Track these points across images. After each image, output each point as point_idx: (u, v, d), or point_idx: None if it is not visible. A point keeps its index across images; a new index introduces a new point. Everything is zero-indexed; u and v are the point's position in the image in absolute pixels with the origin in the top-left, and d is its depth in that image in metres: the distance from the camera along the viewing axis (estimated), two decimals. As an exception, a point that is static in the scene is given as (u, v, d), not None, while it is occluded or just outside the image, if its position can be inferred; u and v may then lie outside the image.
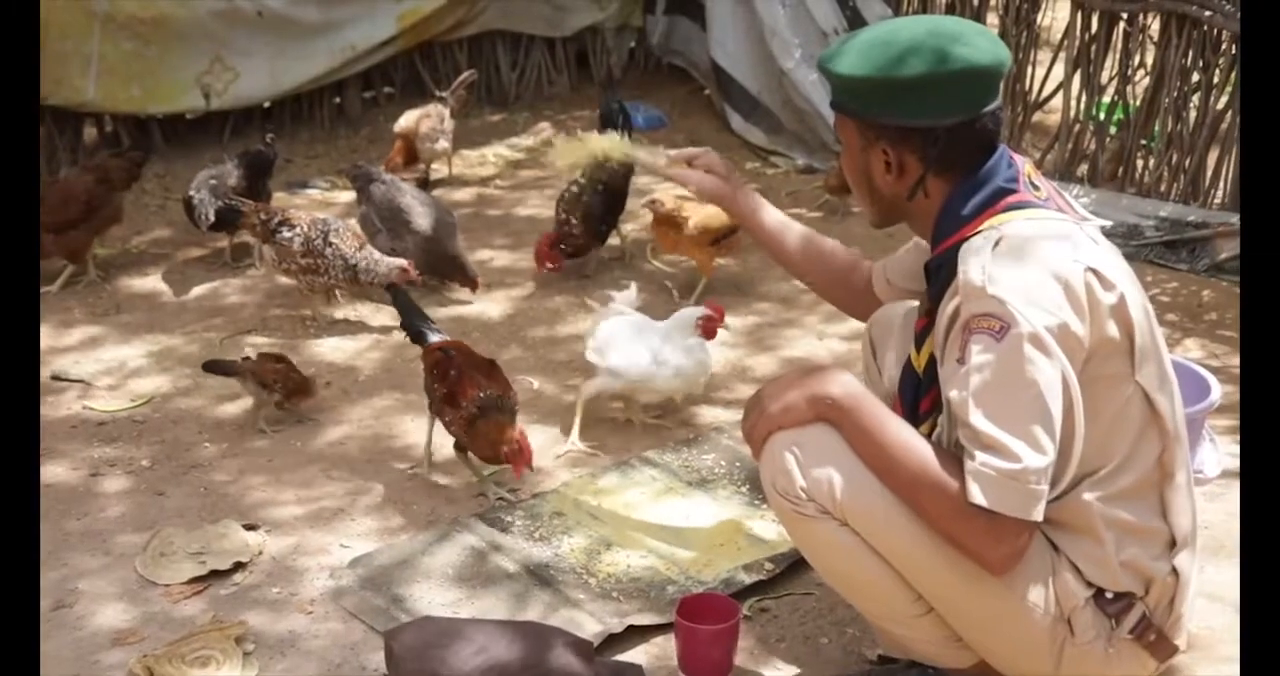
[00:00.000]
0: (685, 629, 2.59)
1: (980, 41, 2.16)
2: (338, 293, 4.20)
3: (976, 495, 2.04)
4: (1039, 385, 2.03)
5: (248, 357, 3.58)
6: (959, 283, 2.11)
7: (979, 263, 2.08)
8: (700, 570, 2.93)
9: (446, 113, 5.22)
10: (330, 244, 4.03)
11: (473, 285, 4.33)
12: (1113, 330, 2.09)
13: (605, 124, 4.59)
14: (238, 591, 2.90)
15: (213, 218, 4.30)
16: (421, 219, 4.33)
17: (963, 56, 2.13)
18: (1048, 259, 2.07)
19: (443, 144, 5.18)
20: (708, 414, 3.65)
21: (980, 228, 2.15)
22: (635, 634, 2.73)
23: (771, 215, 2.73)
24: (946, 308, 2.15)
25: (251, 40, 5.34)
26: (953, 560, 2.14)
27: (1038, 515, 2.05)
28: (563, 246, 4.38)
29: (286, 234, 4.07)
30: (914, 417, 2.31)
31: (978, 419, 2.05)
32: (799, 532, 2.31)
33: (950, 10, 5.37)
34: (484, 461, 3.21)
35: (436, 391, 3.26)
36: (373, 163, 4.97)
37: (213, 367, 3.56)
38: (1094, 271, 2.08)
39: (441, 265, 4.34)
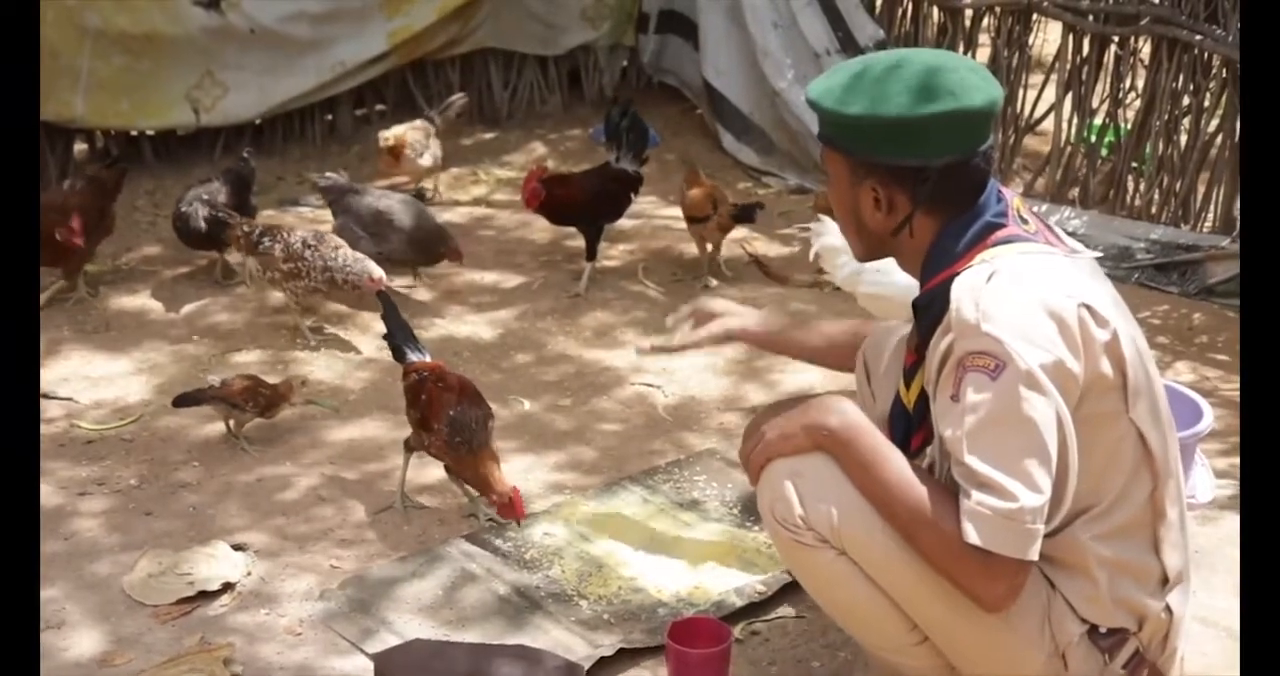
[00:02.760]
0: (676, 652, 2.58)
1: (974, 80, 2.14)
2: (305, 328, 4.20)
3: (972, 535, 2.02)
4: (1035, 423, 2.01)
5: (212, 385, 3.56)
6: (951, 319, 2.08)
7: (972, 299, 2.06)
8: (691, 593, 2.92)
9: (432, 131, 5.22)
10: (310, 247, 4.08)
11: (457, 255, 4.45)
12: (1106, 367, 2.08)
13: (611, 136, 4.62)
14: (226, 613, 2.88)
15: (204, 226, 4.31)
16: (404, 216, 4.41)
17: (957, 97, 2.11)
18: (1042, 294, 2.05)
19: (427, 159, 5.18)
20: (698, 438, 3.64)
21: (971, 262, 2.13)
22: (626, 657, 2.72)
23: (790, 331, 2.80)
24: (939, 344, 2.13)
25: (242, 56, 5.32)
26: (951, 592, 2.13)
27: (1033, 554, 2.03)
28: (546, 180, 4.52)
29: (268, 243, 4.13)
30: (905, 454, 2.30)
31: (973, 458, 2.03)
32: (796, 561, 2.30)
33: (942, 31, 5.39)
34: (474, 490, 3.19)
35: (412, 416, 3.24)
36: (363, 180, 4.98)
37: (183, 401, 3.54)
38: (1088, 307, 2.06)
39: (430, 247, 4.42)
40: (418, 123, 5.24)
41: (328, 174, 4.78)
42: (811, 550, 2.23)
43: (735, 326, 2.78)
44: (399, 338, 3.39)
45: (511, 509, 3.02)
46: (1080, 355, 2.05)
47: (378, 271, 4.02)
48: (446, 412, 3.11)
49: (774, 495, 2.25)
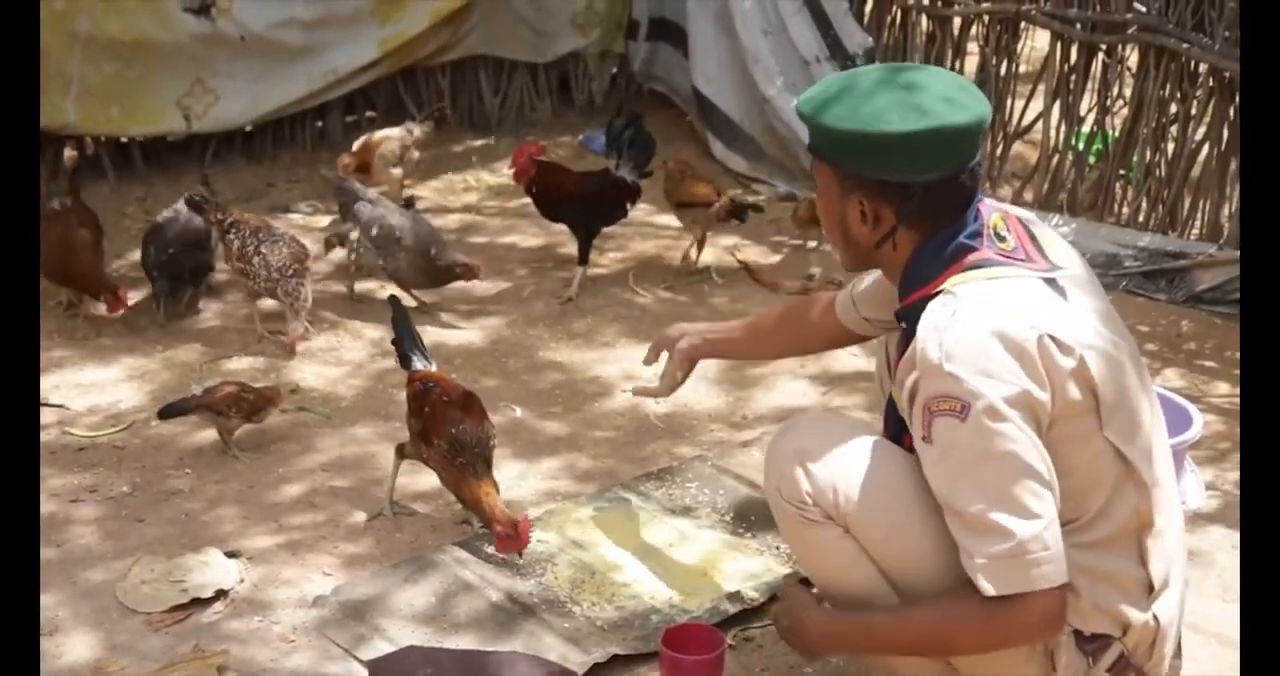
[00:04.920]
0: (670, 659, 2.59)
1: (963, 98, 2.15)
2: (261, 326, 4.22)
3: (988, 588, 2.05)
4: (1014, 454, 2.03)
5: (194, 394, 3.55)
6: (916, 356, 2.11)
7: (936, 338, 2.08)
8: (684, 599, 2.93)
9: (410, 141, 5.19)
10: (259, 253, 4.11)
11: (474, 273, 4.36)
12: (1074, 393, 2.08)
13: (613, 144, 4.63)
14: (219, 620, 2.88)
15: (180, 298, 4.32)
16: (410, 237, 4.37)
17: (945, 115, 2.12)
18: (1002, 328, 2.06)
19: (396, 171, 5.15)
20: (690, 445, 3.65)
21: (941, 287, 2.15)
22: (619, 664, 2.73)
23: (739, 336, 2.96)
24: (906, 379, 2.14)
25: (233, 63, 5.31)
26: (951, 579, 2.14)
27: (1055, 577, 2.05)
28: (540, 158, 4.58)
29: (231, 236, 4.19)
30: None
31: (961, 504, 2.06)
32: (799, 538, 2.33)
33: (931, 39, 5.40)
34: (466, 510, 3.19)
35: (413, 426, 3.23)
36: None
37: (168, 412, 3.53)
38: (1051, 337, 2.06)
39: (439, 276, 4.38)
40: (394, 132, 5.21)
41: (342, 177, 4.73)
42: (816, 526, 2.26)
43: (685, 347, 2.95)
44: (406, 344, 3.38)
45: (515, 541, 2.96)
46: (1046, 384, 2.06)
47: (302, 319, 4.06)
48: (449, 430, 3.08)
49: (780, 473, 2.29)
